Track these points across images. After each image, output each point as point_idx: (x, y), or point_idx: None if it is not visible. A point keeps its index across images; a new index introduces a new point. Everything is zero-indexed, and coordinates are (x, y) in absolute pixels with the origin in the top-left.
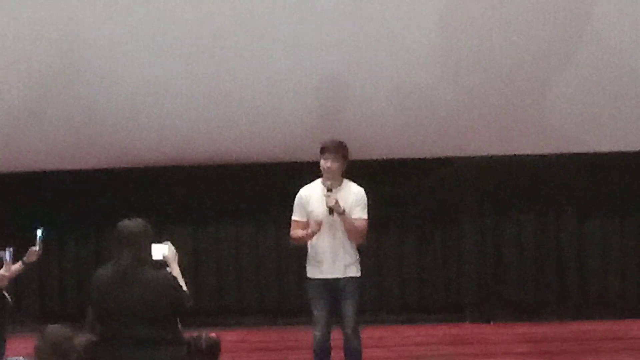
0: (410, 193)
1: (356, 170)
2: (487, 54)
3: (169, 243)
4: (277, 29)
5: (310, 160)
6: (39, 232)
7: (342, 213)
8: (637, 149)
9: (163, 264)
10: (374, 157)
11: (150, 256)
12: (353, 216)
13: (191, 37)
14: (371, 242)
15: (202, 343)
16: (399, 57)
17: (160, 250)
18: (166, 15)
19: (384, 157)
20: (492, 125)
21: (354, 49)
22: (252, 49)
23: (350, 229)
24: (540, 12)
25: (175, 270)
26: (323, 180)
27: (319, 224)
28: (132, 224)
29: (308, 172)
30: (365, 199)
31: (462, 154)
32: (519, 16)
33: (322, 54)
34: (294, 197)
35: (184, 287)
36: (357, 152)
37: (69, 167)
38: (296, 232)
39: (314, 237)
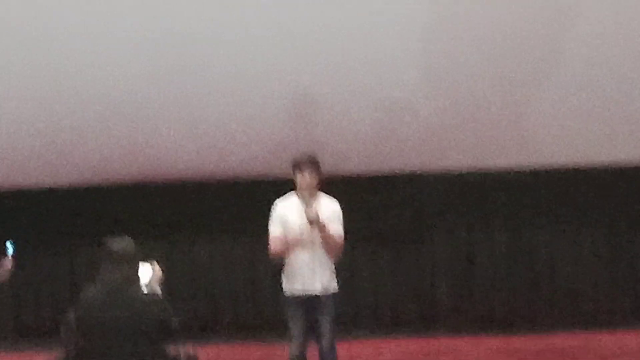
0: (384, 208)
1: (330, 185)
2: (464, 70)
3: (155, 262)
4: (251, 42)
5: (283, 176)
6: (10, 246)
7: (322, 226)
8: (607, 163)
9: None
10: (348, 172)
11: (139, 277)
12: (330, 230)
13: (168, 54)
14: (345, 256)
15: (181, 358)
16: (375, 72)
17: (147, 271)
18: (144, 33)
19: (358, 172)
20: (466, 141)
21: (328, 63)
22: (226, 64)
23: (329, 243)
24: (520, 29)
25: (157, 290)
26: (299, 194)
27: (313, 218)
28: (121, 242)
29: (282, 187)
30: (341, 212)
31: (436, 169)
32: (500, 32)
33: (296, 69)
34: (268, 212)
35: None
36: (331, 167)
37: (43, 184)
38: (276, 245)
39: (292, 253)
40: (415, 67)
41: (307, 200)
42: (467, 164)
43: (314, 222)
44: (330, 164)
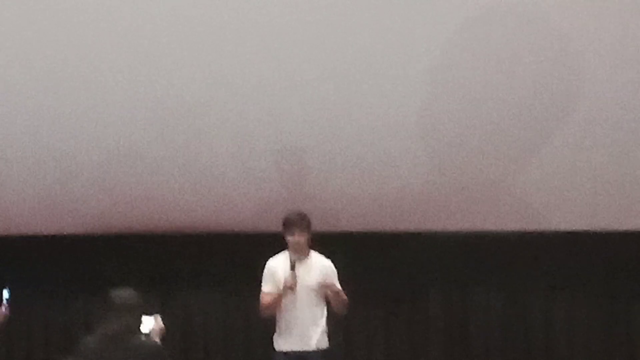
0: (377, 266)
1: (322, 243)
2: (460, 130)
3: (158, 316)
4: (245, 98)
5: (276, 231)
6: (6, 293)
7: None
8: (605, 229)
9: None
10: (341, 229)
11: (140, 326)
12: (332, 288)
13: (165, 113)
14: (338, 315)
15: None
16: (368, 129)
17: (148, 323)
18: (136, 81)
19: (351, 230)
20: (462, 201)
21: (321, 121)
22: (220, 119)
23: (338, 302)
24: (517, 93)
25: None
26: (290, 253)
27: (292, 284)
28: (124, 293)
29: (274, 242)
30: (335, 270)
31: (431, 229)
32: (496, 96)
33: (288, 126)
34: (261, 267)
35: None
36: (323, 224)
37: (39, 231)
38: (266, 302)
39: (284, 309)
40: (411, 126)
41: (293, 264)
42: (463, 225)
43: (292, 288)
44: (323, 221)
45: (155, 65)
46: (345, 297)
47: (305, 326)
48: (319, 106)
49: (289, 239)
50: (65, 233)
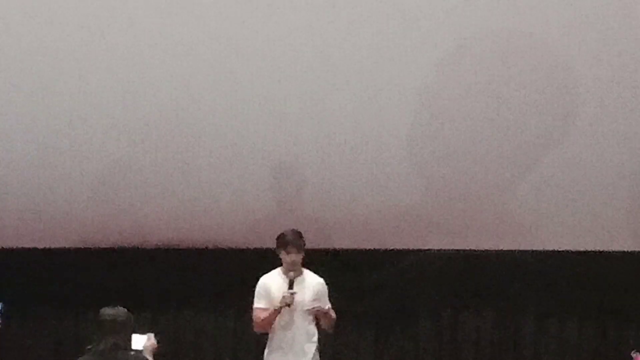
0: (369, 285)
1: (315, 260)
2: (451, 151)
3: (151, 335)
4: (239, 115)
5: (268, 247)
6: None
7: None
8: (598, 249)
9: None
10: (333, 247)
11: (130, 344)
12: (324, 307)
13: (158, 126)
14: (328, 333)
15: None
16: (359, 148)
17: (140, 341)
18: (129, 95)
19: (344, 247)
20: (454, 220)
21: (316, 139)
22: (214, 135)
23: (327, 321)
24: (507, 116)
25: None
26: (285, 271)
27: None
28: (114, 312)
29: (267, 258)
30: (326, 289)
31: (423, 247)
32: (487, 117)
33: (283, 143)
34: (254, 283)
35: None
36: (316, 241)
37: (27, 245)
38: (260, 319)
39: (278, 326)
40: (402, 145)
41: (291, 283)
42: (453, 244)
43: (289, 305)
44: (316, 239)
45: (149, 80)
46: (333, 315)
47: (300, 343)
48: (310, 124)
49: (286, 257)
50: (55, 247)
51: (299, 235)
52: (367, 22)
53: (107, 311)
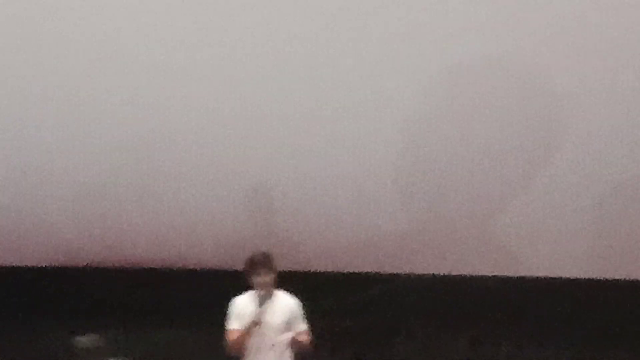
0: (347, 307)
1: (289, 282)
2: (436, 175)
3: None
4: (212, 134)
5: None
6: None
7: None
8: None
9: None
10: (310, 269)
11: None
12: (297, 328)
13: (133, 148)
14: (304, 356)
15: None
16: (343, 171)
17: None
18: (104, 117)
19: (320, 270)
20: (432, 245)
21: (291, 160)
22: (188, 155)
23: (297, 347)
24: (495, 139)
25: None
26: (258, 293)
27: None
28: (87, 340)
29: (241, 279)
30: (301, 309)
31: (400, 271)
32: (473, 140)
33: (258, 163)
34: (227, 303)
35: None
36: (291, 264)
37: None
38: (233, 336)
39: (250, 348)
40: (387, 169)
41: (261, 301)
42: (431, 269)
43: (258, 325)
44: (292, 261)
45: (125, 102)
46: (304, 339)
47: None
48: (288, 147)
49: (255, 279)
50: (29, 265)
51: (267, 256)
52: (351, 48)
53: (81, 340)
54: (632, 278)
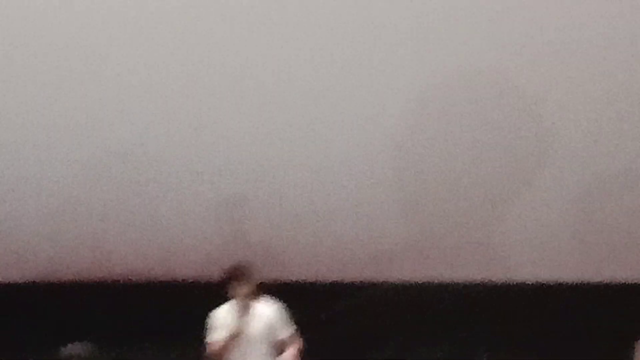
0: (327, 316)
1: (269, 292)
2: (429, 180)
3: None
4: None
5: (219, 280)
6: None
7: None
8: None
9: None
10: (288, 279)
11: None
12: (281, 337)
13: (102, 157)
14: None
15: None
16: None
17: None
18: (77, 130)
19: (302, 279)
20: (410, 252)
21: (267, 168)
22: (161, 164)
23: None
24: (491, 147)
25: None
26: (238, 304)
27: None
28: (76, 348)
29: (218, 291)
30: (282, 312)
31: (381, 279)
32: (468, 149)
33: (230, 174)
34: (204, 315)
35: None
36: (268, 273)
37: None
38: (214, 348)
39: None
40: (384, 176)
41: (240, 312)
42: (409, 276)
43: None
44: (268, 271)
45: (97, 115)
46: (296, 352)
47: None
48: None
49: (234, 290)
50: (6, 282)
51: (244, 267)
52: (344, 55)
53: (71, 347)
54: (618, 282)
